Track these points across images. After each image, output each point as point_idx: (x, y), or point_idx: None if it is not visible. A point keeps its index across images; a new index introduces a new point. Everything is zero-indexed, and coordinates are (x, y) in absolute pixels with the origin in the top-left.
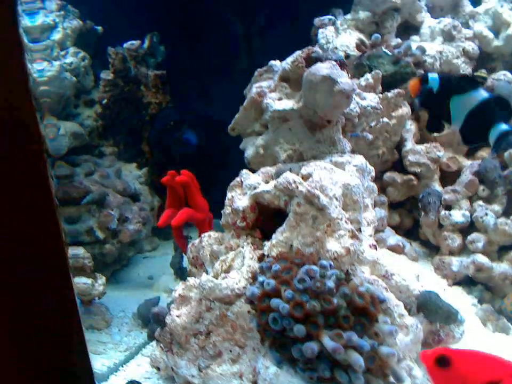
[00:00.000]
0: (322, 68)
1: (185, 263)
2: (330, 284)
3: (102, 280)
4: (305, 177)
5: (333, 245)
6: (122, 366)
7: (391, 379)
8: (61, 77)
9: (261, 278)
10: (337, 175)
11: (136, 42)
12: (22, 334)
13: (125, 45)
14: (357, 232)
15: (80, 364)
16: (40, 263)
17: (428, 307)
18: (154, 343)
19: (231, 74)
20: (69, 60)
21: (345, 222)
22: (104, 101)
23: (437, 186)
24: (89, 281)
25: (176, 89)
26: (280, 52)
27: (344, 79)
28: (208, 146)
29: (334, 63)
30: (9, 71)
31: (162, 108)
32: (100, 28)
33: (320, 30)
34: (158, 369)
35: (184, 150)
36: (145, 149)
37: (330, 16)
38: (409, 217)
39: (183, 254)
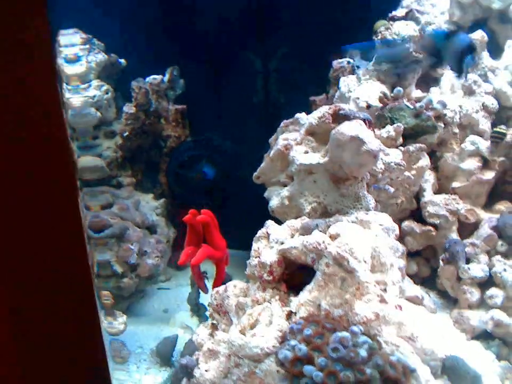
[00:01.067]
0: (351, 128)
1: (202, 299)
2: (364, 353)
3: (122, 318)
4: (333, 237)
5: (362, 309)
6: None
7: None
8: (84, 112)
9: (292, 342)
10: (365, 236)
11: (158, 77)
12: (49, 367)
13: (148, 79)
14: (384, 296)
15: None
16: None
17: (455, 373)
18: None
19: (249, 109)
20: (92, 92)
21: (374, 285)
22: (126, 134)
23: (455, 237)
24: (109, 319)
25: (195, 122)
26: (297, 89)
27: (371, 140)
28: (225, 179)
29: (362, 122)
30: (46, 101)
31: (181, 141)
32: (123, 61)
33: (342, 78)
34: None
35: (201, 183)
36: (163, 180)
37: (348, 59)
38: (427, 266)
39: (200, 292)
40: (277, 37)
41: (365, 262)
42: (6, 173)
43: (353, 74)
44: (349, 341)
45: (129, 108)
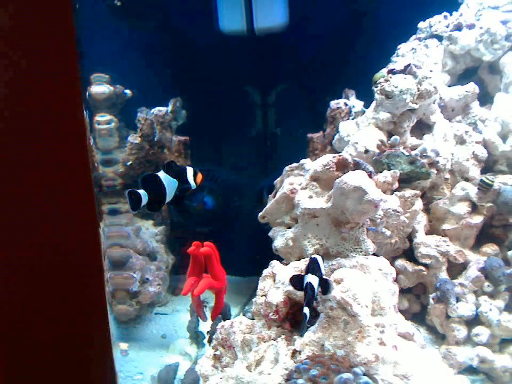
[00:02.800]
0: (355, 178)
1: (200, 327)
2: None
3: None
4: (337, 281)
5: (363, 351)
6: None
7: None
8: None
9: (299, 381)
10: (366, 281)
11: (163, 109)
12: None
13: (153, 111)
14: (383, 338)
15: None
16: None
17: None
18: None
19: (247, 142)
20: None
21: (374, 329)
22: (129, 163)
23: (444, 276)
24: None
25: (196, 153)
26: (293, 123)
27: (373, 190)
28: (224, 209)
29: (365, 174)
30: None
31: None
32: (129, 92)
33: (342, 123)
34: None
35: (202, 212)
36: (163, 208)
37: (345, 100)
38: (417, 302)
39: (199, 320)
40: (276, 73)
41: (367, 306)
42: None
43: (349, 114)
44: (352, 382)
45: (134, 139)
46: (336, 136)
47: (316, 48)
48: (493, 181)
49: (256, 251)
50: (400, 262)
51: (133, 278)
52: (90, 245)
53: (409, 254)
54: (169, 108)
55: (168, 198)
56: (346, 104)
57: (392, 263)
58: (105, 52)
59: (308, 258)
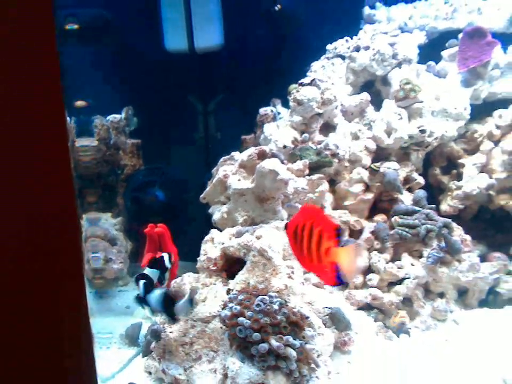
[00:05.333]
0: (270, 163)
1: None
2: (276, 306)
3: None
4: (258, 237)
5: (277, 282)
6: (117, 374)
7: (312, 365)
8: None
9: (230, 305)
10: (279, 236)
11: (118, 116)
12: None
13: (109, 117)
14: (292, 274)
15: (88, 365)
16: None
17: (336, 317)
18: (139, 357)
19: (192, 144)
20: None
21: (285, 267)
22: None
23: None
24: None
25: (148, 154)
26: (231, 127)
27: (284, 172)
28: (173, 202)
29: (278, 160)
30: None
31: (136, 169)
32: (84, 103)
33: (266, 125)
34: (150, 373)
35: (153, 204)
36: (120, 201)
37: (272, 108)
38: None
39: None
40: (215, 85)
41: (279, 252)
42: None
43: (274, 119)
44: (267, 300)
45: (91, 141)
46: (262, 136)
47: (249, 64)
48: (378, 167)
49: (203, 237)
50: None
51: (97, 256)
52: (71, 234)
53: None
54: (123, 115)
55: None
56: (272, 111)
57: None
58: (65, 68)
59: (238, 226)
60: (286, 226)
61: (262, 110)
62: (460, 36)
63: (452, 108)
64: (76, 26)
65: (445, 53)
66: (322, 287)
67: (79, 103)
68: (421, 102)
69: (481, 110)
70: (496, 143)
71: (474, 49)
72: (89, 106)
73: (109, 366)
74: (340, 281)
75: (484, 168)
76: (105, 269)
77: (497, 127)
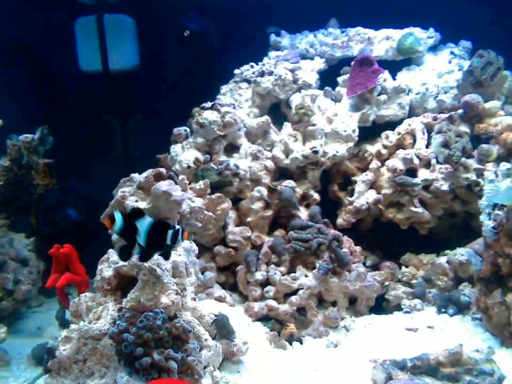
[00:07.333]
0: (164, 185)
1: (67, 316)
2: (159, 322)
3: (3, 329)
4: None
5: (164, 299)
6: None
7: (196, 376)
8: None
9: (118, 322)
10: (170, 256)
11: (30, 136)
12: None
13: (21, 137)
14: (180, 291)
15: None
16: None
17: (219, 324)
18: (46, 375)
19: (108, 162)
20: None
21: (173, 285)
22: (1, 183)
23: None
24: None
25: (61, 172)
26: (151, 146)
27: (177, 192)
28: (85, 221)
29: (172, 182)
30: None
31: (49, 189)
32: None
33: (173, 146)
34: None
35: (65, 224)
36: (33, 221)
37: (185, 128)
38: (232, 277)
39: (65, 309)
40: (132, 104)
41: (168, 271)
42: None
43: (187, 138)
44: (151, 316)
45: (4, 162)
46: (169, 156)
47: (166, 84)
48: (275, 186)
49: None
50: (217, 248)
51: (7, 278)
52: None
53: (226, 241)
54: (37, 135)
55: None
56: (185, 130)
57: (212, 249)
58: None
59: None
60: None
61: (176, 130)
62: (352, 63)
63: (342, 130)
64: None
65: (340, 79)
66: (224, 300)
67: None
68: (314, 125)
69: (373, 132)
70: (384, 162)
71: (362, 77)
72: (3, 126)
73: None
74: None
75: (373, 185)
76: (14, 290)
77: (385, 147)
